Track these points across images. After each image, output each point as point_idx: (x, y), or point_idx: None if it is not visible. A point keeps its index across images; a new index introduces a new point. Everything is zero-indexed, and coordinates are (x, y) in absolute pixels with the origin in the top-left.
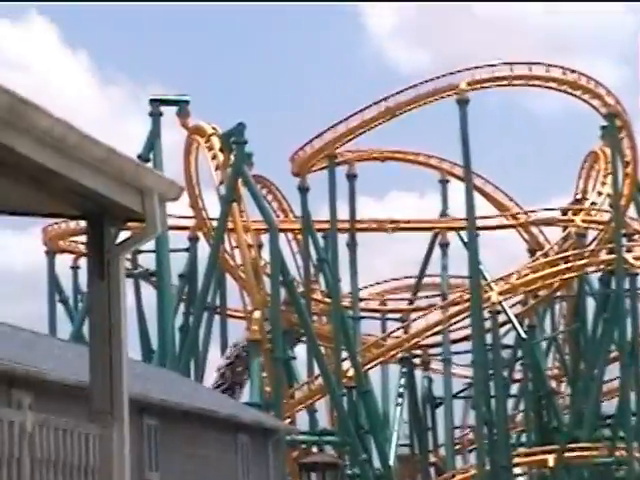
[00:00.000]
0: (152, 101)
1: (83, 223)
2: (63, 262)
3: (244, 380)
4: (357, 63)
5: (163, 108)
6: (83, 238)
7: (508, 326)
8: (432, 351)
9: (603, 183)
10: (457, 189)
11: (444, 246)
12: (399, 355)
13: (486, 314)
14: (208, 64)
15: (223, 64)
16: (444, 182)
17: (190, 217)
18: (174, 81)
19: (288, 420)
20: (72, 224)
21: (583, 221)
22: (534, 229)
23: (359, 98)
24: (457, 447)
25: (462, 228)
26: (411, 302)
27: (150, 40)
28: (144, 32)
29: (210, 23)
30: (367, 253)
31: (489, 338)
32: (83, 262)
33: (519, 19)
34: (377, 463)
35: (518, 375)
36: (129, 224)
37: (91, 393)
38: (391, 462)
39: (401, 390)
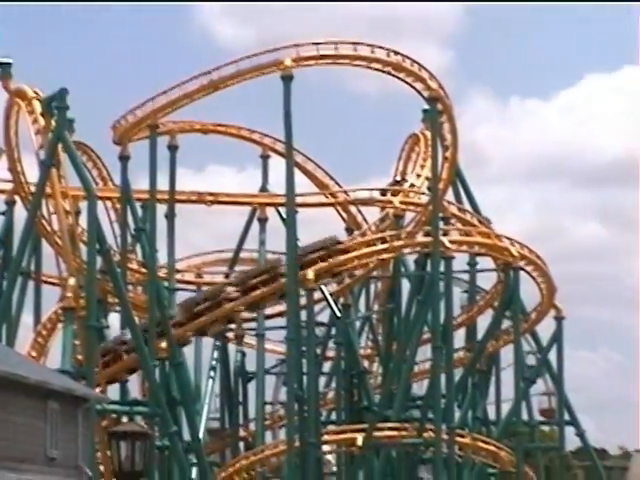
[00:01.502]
0: None
1: None
2: None
3: None
4: (184, 37)
5: None
6: None
7: (323, 304)
8: (246, 326)
9: (422, 166)
10: (278, 165)
11: (262, 221)
12: None
13: (301, 291)
14: (33, 28)
15: (49, 29)
16: (265, 157)
17: (8, 181)
18: None
19: (99, 389)
20: None
21: (401, 202)
22: (353, 208)
23: (186, 71)
24: (267, 422)
25: (281, 204)
26: (227, 276)
27: None
28: None
29: None
30: (185, 225)
31: (304, 315)
32: None
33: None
34: (187, 435)
35: (331, 353)
36: None
37: None
38: (201, 435)
39: (214, 363)
